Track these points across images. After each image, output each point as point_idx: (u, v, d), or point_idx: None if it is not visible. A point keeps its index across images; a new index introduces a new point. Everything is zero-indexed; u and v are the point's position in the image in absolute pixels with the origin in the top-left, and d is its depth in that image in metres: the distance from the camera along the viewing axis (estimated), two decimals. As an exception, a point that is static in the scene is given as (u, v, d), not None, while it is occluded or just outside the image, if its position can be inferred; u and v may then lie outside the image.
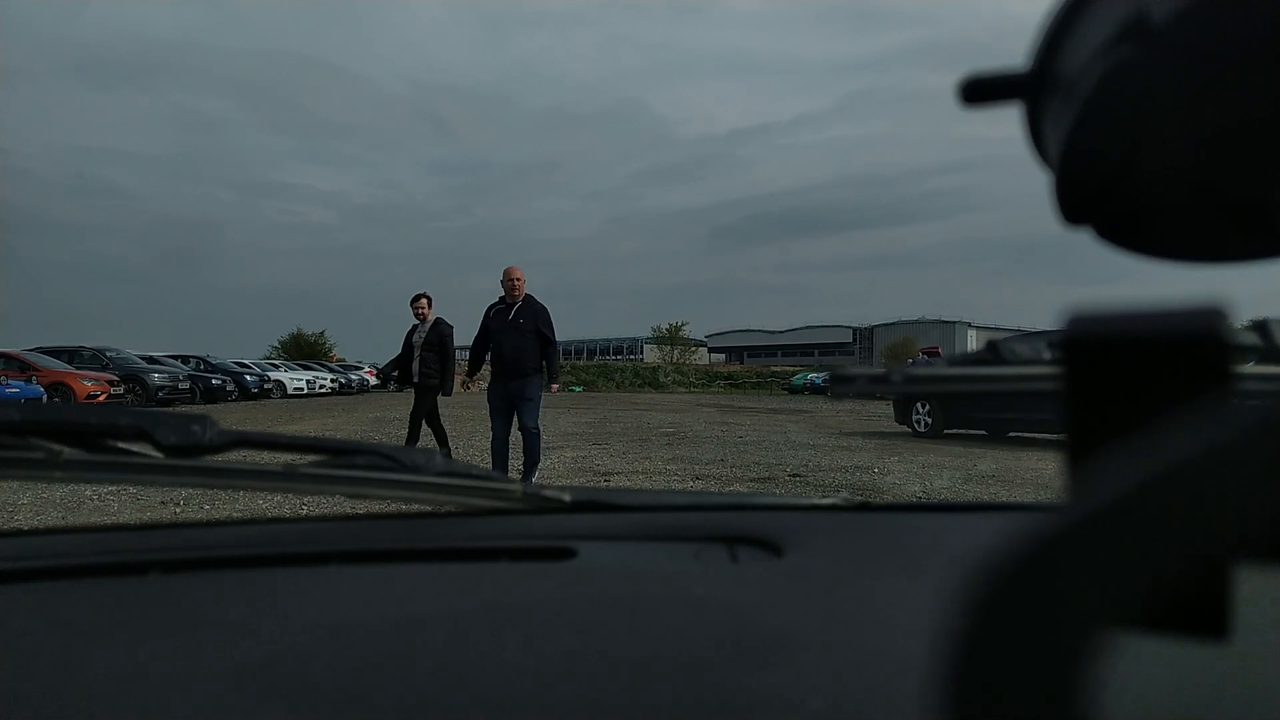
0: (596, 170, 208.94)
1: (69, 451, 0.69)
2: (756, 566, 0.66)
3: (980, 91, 0.31)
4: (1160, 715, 0.34)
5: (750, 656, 0.47)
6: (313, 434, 0.86)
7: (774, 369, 56.76)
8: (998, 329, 67.82)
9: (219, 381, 23.01)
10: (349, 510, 1.07)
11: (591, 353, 75.40)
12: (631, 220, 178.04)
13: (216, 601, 0.58)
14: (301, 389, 27.82)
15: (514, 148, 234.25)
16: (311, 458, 0.75)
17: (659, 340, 61.23)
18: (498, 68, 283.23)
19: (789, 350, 79.45)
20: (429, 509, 0.84)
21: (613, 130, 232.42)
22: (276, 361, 30.40)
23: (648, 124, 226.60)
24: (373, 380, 34.99)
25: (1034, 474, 7.58)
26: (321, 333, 51.44)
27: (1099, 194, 0.30)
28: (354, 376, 34.03)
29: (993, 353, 0.53)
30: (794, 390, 42.34)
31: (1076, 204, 0.31)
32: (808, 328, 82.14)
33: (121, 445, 0.71)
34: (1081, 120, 0.28)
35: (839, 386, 0.53)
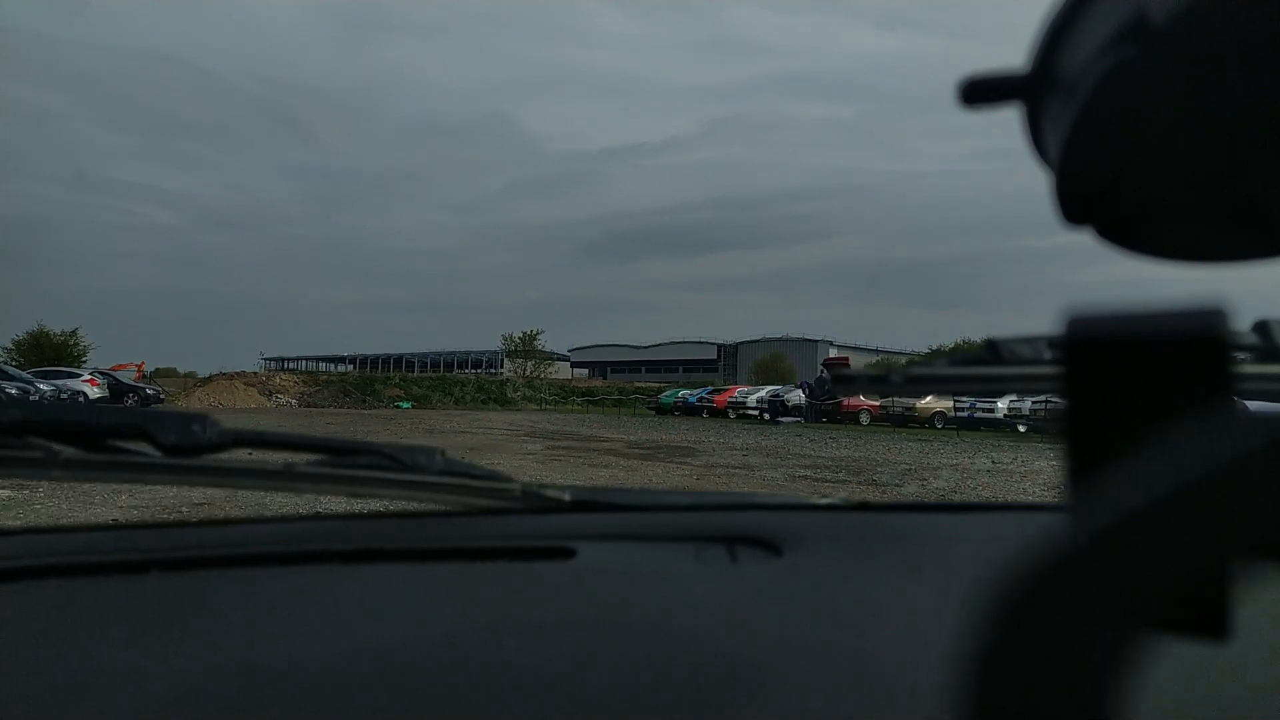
0: (463, 182, 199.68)
1: (68, 451, 0.69)
2: (756, 566, 0.67)
3: (980, 92, 0.30)
4: (1160, 715, 0.33)
5: (750, 656, 0.47)
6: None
7: (638, 385, 51.79)
8: (858, 348, 67.09)
9: None
10: (349, 510, 0.96)
11: (449, 365, 68.88)
12: (498, 233, 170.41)
13: (216, 601, 0.59)
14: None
15: (377, 155, 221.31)
16: (311, 457, 0.76)
17: (511, 352, 54.70)
18: (360, 72, 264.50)
19: (653, 366, 76.30)
20: (429, 509, 0.84)
21: (481, 142, 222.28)
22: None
23: (517, 138, 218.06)
24: (95, 390, 25.29)
25: None
26: (74, 332, 40.51)
27: (1099, 194, 0.30)
28: (46, 388, 21.86)
29: (992, 353, 0.53)
30: (662, 410, 35.68)
31: (1076, 204, 0.31)
32: (672, 343, 79.29)
33: (121, 445, 0.71)
34: (1081, 120, 0.28)
35: (839, 386, 0.53)
